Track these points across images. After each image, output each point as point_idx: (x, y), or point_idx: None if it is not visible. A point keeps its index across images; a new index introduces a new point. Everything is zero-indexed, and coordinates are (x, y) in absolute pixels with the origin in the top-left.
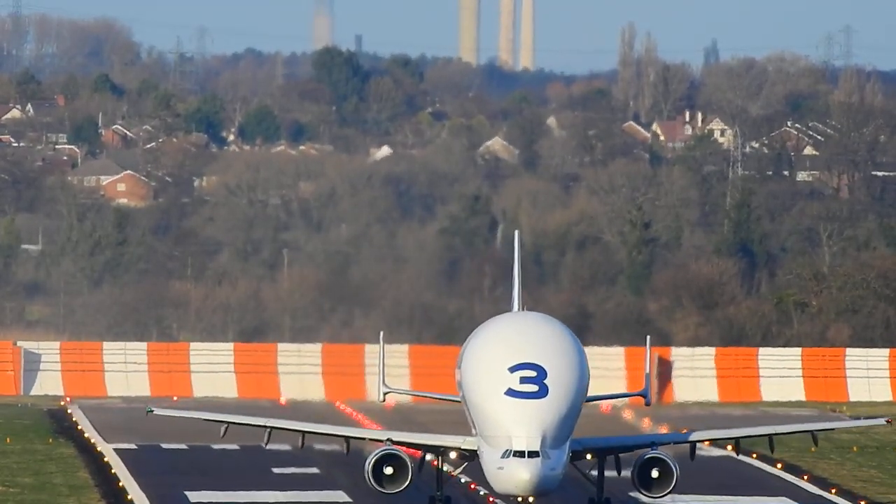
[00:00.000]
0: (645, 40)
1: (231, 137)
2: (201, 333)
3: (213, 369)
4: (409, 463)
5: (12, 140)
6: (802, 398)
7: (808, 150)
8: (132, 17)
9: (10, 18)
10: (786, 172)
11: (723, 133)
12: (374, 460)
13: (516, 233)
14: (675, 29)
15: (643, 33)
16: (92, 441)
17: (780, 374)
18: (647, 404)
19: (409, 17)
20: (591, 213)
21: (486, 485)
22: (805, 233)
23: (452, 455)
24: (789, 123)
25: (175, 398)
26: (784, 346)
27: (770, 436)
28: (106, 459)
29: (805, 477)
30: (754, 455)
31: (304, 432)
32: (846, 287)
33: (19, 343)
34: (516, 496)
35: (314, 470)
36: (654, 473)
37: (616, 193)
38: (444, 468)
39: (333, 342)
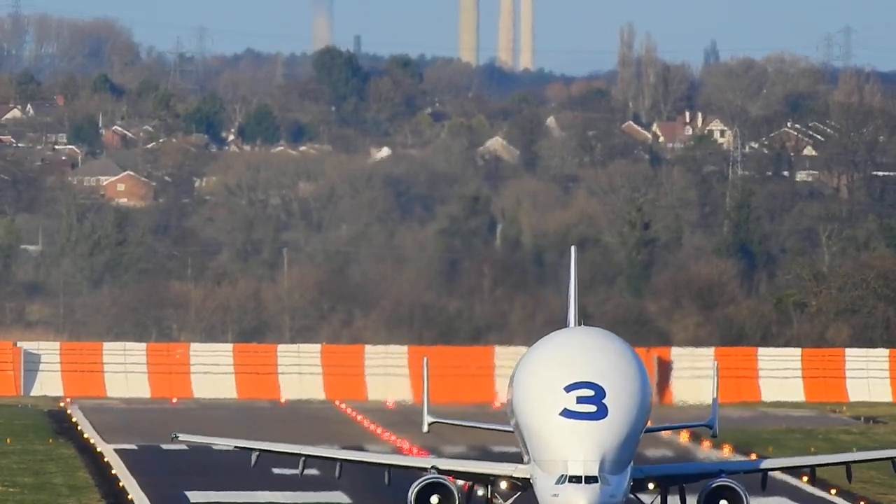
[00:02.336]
0: (645, 41)
1: (231, 138)
2: (201, 334)
3: (212, 370)
4: (455, 492)
5: (12, 140)
6: (802, 398)
7: (808, 151)
8: (132, 17)
9: (10, 18)
10: (785, 173)
11: (722, 133)
12: (417, 489)
13: (573, 248)
14: (675, 29)
15: (643, 34)
16: (92, 441)
17: (780, 374)
18: (714, 436)
19: (409, 17)
20: (590, 213)
21: None
22: (805, 233)
23: (503, 485)
24: (789, 124)
25: (174, 399)
26: (784, 346)
27: (848, 463)
28: (106, 460)
29: (804, 478)
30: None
31: (341, 460)
32: (846, 287)
33: (19, 343)
34: None
35: (314, 471)
36: None
37: (616, 194)
38: (494, 501)
39: (333, 342)
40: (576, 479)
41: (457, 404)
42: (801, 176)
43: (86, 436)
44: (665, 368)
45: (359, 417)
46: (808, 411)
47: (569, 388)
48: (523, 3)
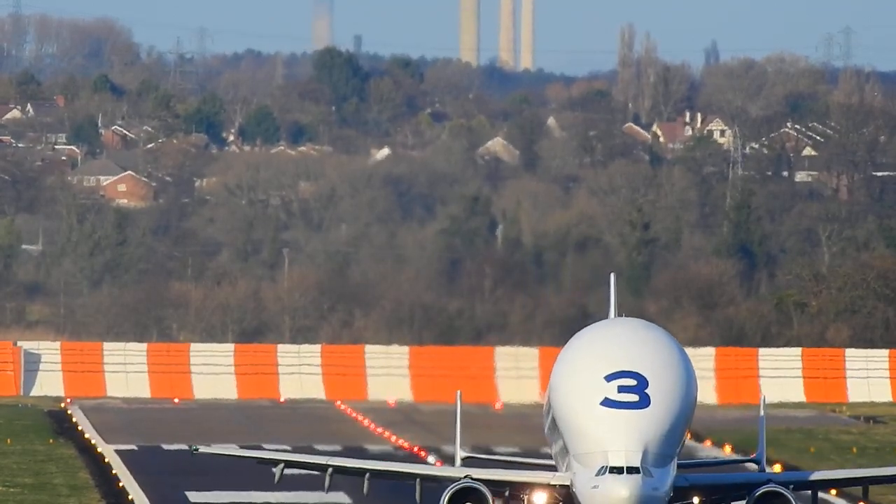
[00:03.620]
0: (645, 41)
1: (231, 138)
2: (201, 334)
3: (213, 370)
4: (489, 498)
5: (12, 140)
6: (802, 399)
7: (808, 151)
8: (132, 18)
9: (10, 18)
10: (785, 173)
11: (722, 134)
12: (450, 495)
13: (612, 276)
14: (675, 30)
15: (643, 34)
16: (92, 441)
17: (780, 374)
18: (762, 472)
19: (409, 17)
20: (590, 213)
21: None
22: (805, 233)
23: (541, 499)
24: (789, 124)
25: (175, 400)
26: (784, 346)
27: None
28: (106, 460)
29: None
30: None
31: (369, 471)
32: (846, 287)
33: (19, 343)
34: None
35: (314, 471)
36: None
37: (616, 194)
38: None
39: (333, 342)
40: (617, 470)
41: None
42: (801, 176)
43: (86, 436)
44: None
45: (359, 417)
46: (808, 411)
47: (610, 378)
48: (524, 4)
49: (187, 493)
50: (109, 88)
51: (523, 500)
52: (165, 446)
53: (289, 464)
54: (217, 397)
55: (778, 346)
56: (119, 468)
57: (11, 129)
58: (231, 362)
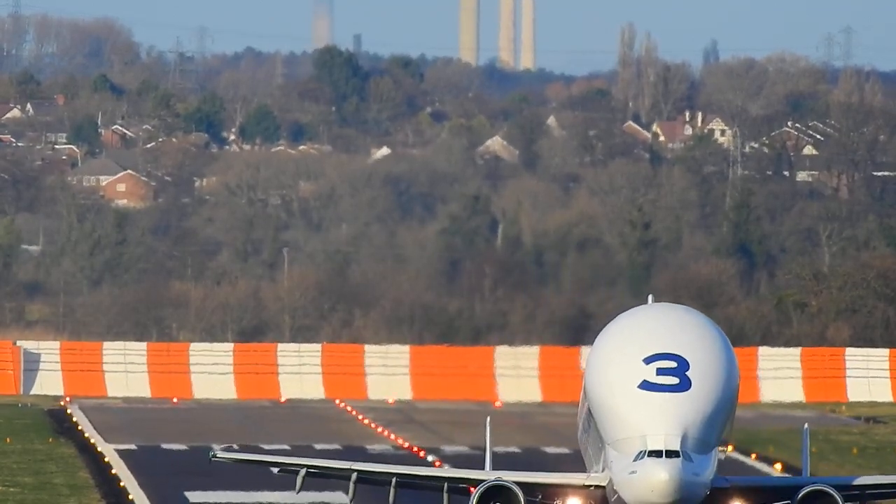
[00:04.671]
0: (645, 40)
1: (231, 137)
2: (201, 333)
3: (212, 370)
4: (521, 497)
5: (12, 140)
6: (802, 398)
7: (808, 150)
8: (132, 17)
9: (10, 18)
10: (786, 172)
11: (723, 133)
12: (480, 493)
13: (650, 296)
14: (675, 29)
15: (643, 34)
16: (92, 441)
17: (780, 374)
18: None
19: (409, 17)
20: (591, 213)
21: None
22: (805, 233)
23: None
24: (789, 123)
25: (175, 400)
26: (784, 346)
27: None
28: (106, 459)
29: None
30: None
31: (395, 475)
32: (846, 287)
33: (19, 343)
34: None
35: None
36: None
37: (616, 194)
38: None
39: (333, 342)
40: (656, 454)
41: (457, 403)
42: (801, 176)
43: (86, 435)
44: None
45: (359, 416)
46: (808, 411)
47: (648, 360)
48: (524, 3)
49: (187, 493)
50: (109, 88)
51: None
52: (165, 446)
53: (311, 470)
54: (217, 397)
55: (778, 346)
56: (119, 468)
57: (11, 129)
58: (231, 362)
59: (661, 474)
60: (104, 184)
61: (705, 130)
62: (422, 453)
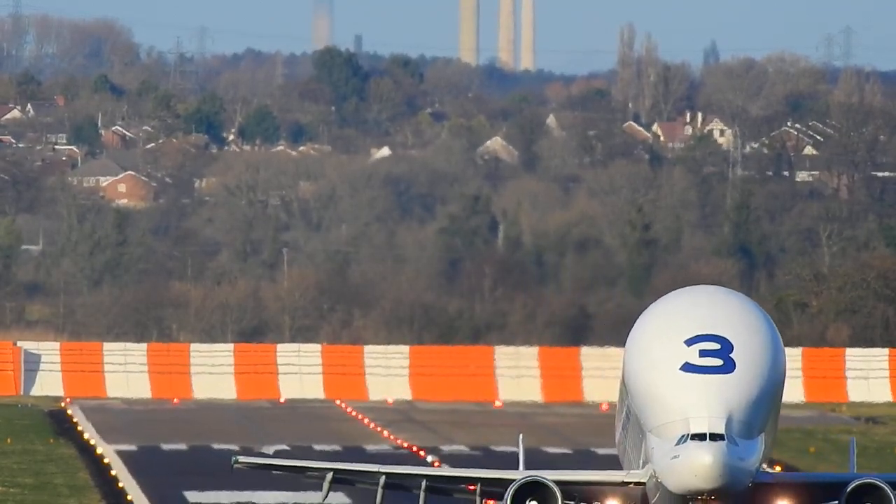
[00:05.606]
0: (645, 41)
1: (231, 138)
2: (201, 333)
3: (212, 370)
4: (557, 493)
5: (12, 140)
6: (802, 399)
7: (808, 151)
8: (132, 17)
9: (10, 18)
10: (785, 173)
11: (722, 133)
12: (515, 490)
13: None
14: (675, 29)
15: (643, 34)
16: (92, 442)
17: None
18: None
19: (409, 17)
20: (591, 214)
21: None
22: (805, 233)
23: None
24: (789, 124)
25: (175, 400)
26: (784, 346)
27: None
28: (106, 460)
29: None
30: None
31: (425, 476)
32: (846, 287)
33: (19, 343)
34: (696, 493)
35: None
36: None
37: (616, 194)
38: None
39: (333, 342)
40: (699, 437)
41: (457, 403)
42: (801, 176)
43: (86, 436)
44: None
45: (359, 416)
46: (808, 411)
47: (690, 342)
48: (523, 4)
49: (186, 493)
50: (109, 88)
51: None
52: (165, 446)
53: (337, 474)
54: (217, 397)
55: None
56: (119, 468)
57: (11, 129)
58: (231, 362)
59: (704, 458)
60: (104, 184)
61: (705, 131)
62: (421, 453)
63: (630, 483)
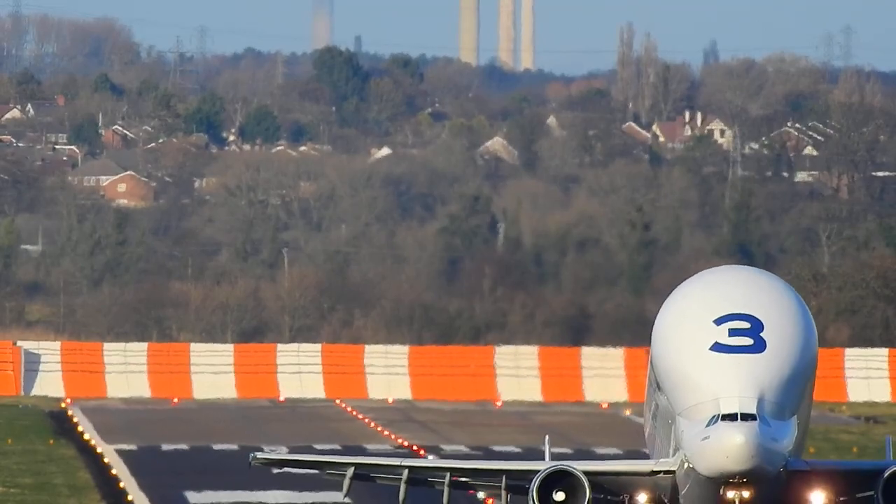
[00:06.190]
0: (644, 40)
1: (231, 138)
2: (201, 333)
3: (213, 370)
4: (584, 481)
5: (12, 140)
6: None
7: (808, 151)
8: (132, 17)
9: (10, 18)
10: (785, 173)
11: (722, 133)
12: (540, 480)
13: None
14: (675, 29)
15: (642, 33)
16: (92, 442)
17: None
18: None
19: (409, 17)
20: (590, 213)
21: None
22: (805, 233)
23: (642, 498)
24: (789, 124)
25: (175, 400)
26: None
27: None
28: (106, 460)
29: None
30: None
31: (450, 469)
32: (845, 287)
33: (19, 343)
34: (727, 475)
35: (314, 470)
36: None
37: (616, 194)
38: None
39: (333, 342)
40: (730, 417)
41: (457, 403)
42: (801, 176)
43: (86, 436)
44: None
45: (359, 416)
46: None
47: (719, 321)
48: (523, 3)
49: (186, 494)
50: (109, 88)
51: (623, 503)
52: (165, 446)
53: (358, 469)
54: (217, 397)
55: None
56: (119, 468)
57: (11, 129)
58: (231, 362)
59: (736, 438)
60: (104, 184)
61: (705, 131)
62: (422, 452)
63: (660, 472)
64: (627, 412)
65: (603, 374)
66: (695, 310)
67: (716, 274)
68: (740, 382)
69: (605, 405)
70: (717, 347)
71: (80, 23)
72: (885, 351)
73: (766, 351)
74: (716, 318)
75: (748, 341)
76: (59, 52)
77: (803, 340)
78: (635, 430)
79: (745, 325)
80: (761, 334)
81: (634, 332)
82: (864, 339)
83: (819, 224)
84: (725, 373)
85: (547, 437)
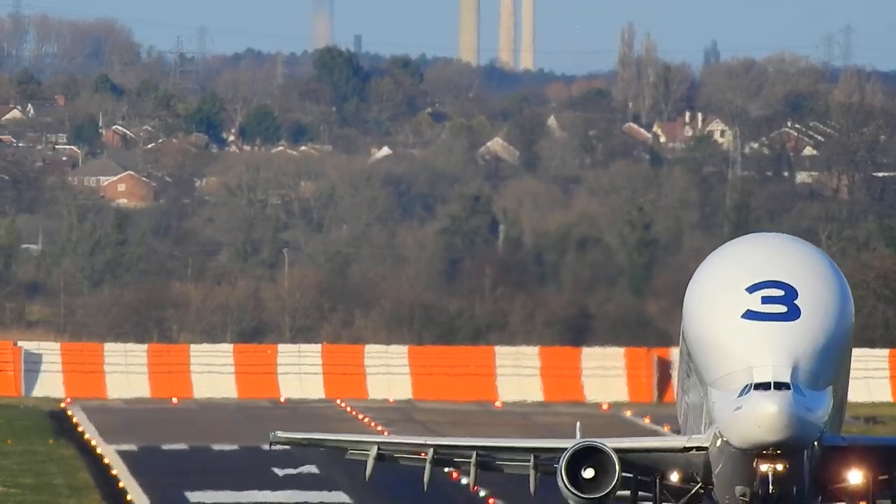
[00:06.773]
0: (645, 40)
1: (231, 138)
2: (201, 334)
3: (213, 370)
4: (614, 458)
5: (12, 140)
6: None
7: (808, 151)
8: (132, 17)
9: (10, 18)
10: (785, 173)
11: (723, 134)
12: (569, 456)
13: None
14: (675, 29)
15: (643, 34)
16: (92, 442)
17: None
18: None
19: (409, 17)
20: (591, 214)
21: None
22: (804, 233)
23: (674, 476)
24: (789, 124)
25: (175, 400)
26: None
27: None
28: (106, 460)
29: None
30: None
31: (476, 448)
32: None
33: (20, 343)
34: (760, 446)
35: (314, 469)
36: None
37: (616, 194)
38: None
39: (333, 342)
40: (763, 386)
41: (457, 403)
42: (801, 176)
43: (86, 436)
44: (665, 368)
45: (360, 416)
46: None
47: (752, 289)
48: (524, 4)
49: (187, 494)
50: (109, 88)
51: (655, 483)
52: (165, 446)
53: (381, 448)
54: (217, 397)
55: None
56: (119, 468)
57: (11, 129)
58: (231, 362)
59: (769, 407)
60: (105, 184)
61: (705, 131)
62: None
63: (692, 448)
64: (628, 412)
65: (603, 374)
66: (727, 277)
67: (748, 241)
68: (773, 351)
69: (605, 405)
70: (750, 315)
71: (80, 23)
72: (885, 351)
73: (800, 319)
74: (748, 285)
75: (782, 309)
76: (60, 53)
77: (839, 308)
78: (636, 431)
79: (779, 292)
80: (795, 302)
81: (634, 332)
82: (864, 340)
83: (819, 224)
84: (758, 341)
85: (578, 423)
